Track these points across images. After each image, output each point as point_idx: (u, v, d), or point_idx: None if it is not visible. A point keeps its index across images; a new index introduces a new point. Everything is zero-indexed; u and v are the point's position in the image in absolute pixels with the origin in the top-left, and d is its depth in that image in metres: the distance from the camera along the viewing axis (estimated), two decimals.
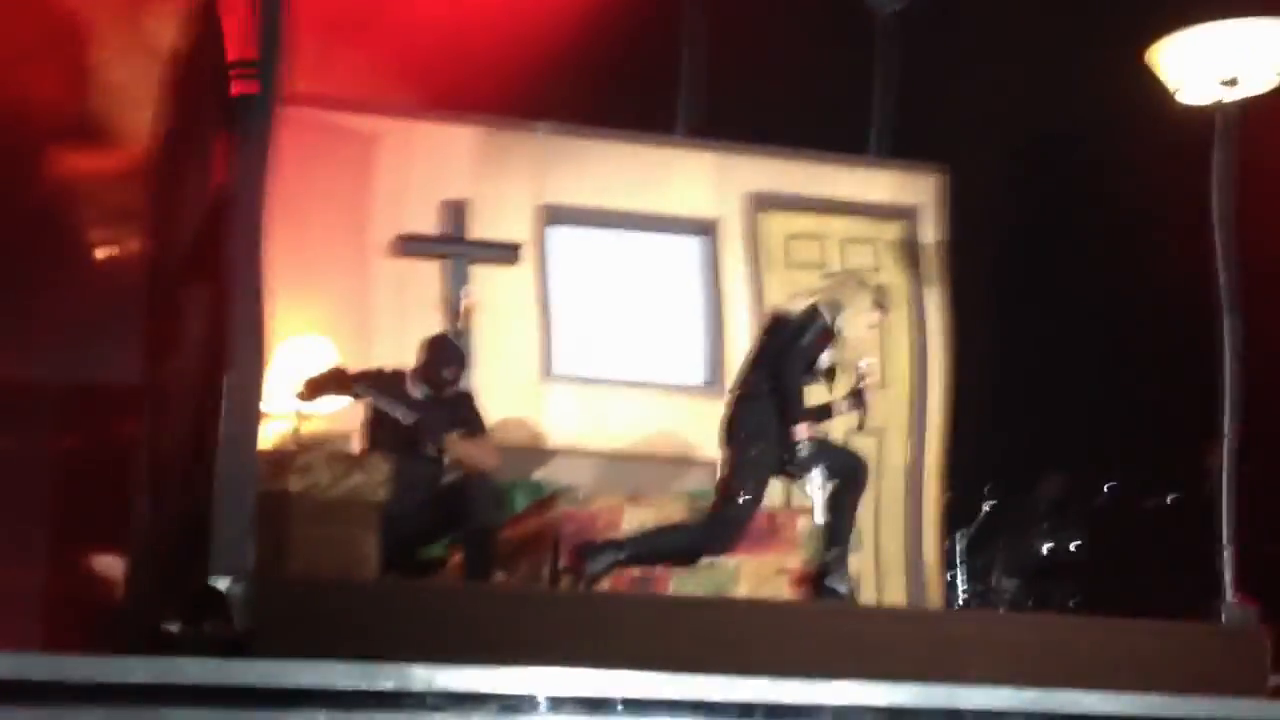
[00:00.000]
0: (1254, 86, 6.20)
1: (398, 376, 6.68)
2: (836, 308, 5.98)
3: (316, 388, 6.60)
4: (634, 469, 7.95)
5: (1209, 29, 6.13)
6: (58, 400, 7.45)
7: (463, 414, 6.71)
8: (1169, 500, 7.44)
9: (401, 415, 6.47)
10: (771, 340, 6.03)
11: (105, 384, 7.09)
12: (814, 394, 6.06)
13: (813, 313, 5.97)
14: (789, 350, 5.89)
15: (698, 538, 5.96)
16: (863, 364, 6.06)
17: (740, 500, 5.81)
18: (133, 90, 7.03)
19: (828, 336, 5.94)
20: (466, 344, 7.62)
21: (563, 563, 6.01)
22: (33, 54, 7.30)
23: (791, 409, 5.82)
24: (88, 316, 7.14)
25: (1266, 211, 6.41)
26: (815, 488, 5.85)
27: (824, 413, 6.03)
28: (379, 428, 6.56)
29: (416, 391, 6.64)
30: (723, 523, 5.87)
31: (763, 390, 5.91)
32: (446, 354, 6.75)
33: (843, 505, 5.92)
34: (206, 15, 5.66)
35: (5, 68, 7.18)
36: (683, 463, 8.06)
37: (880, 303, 6.11)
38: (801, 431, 5.78)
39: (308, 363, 7.14)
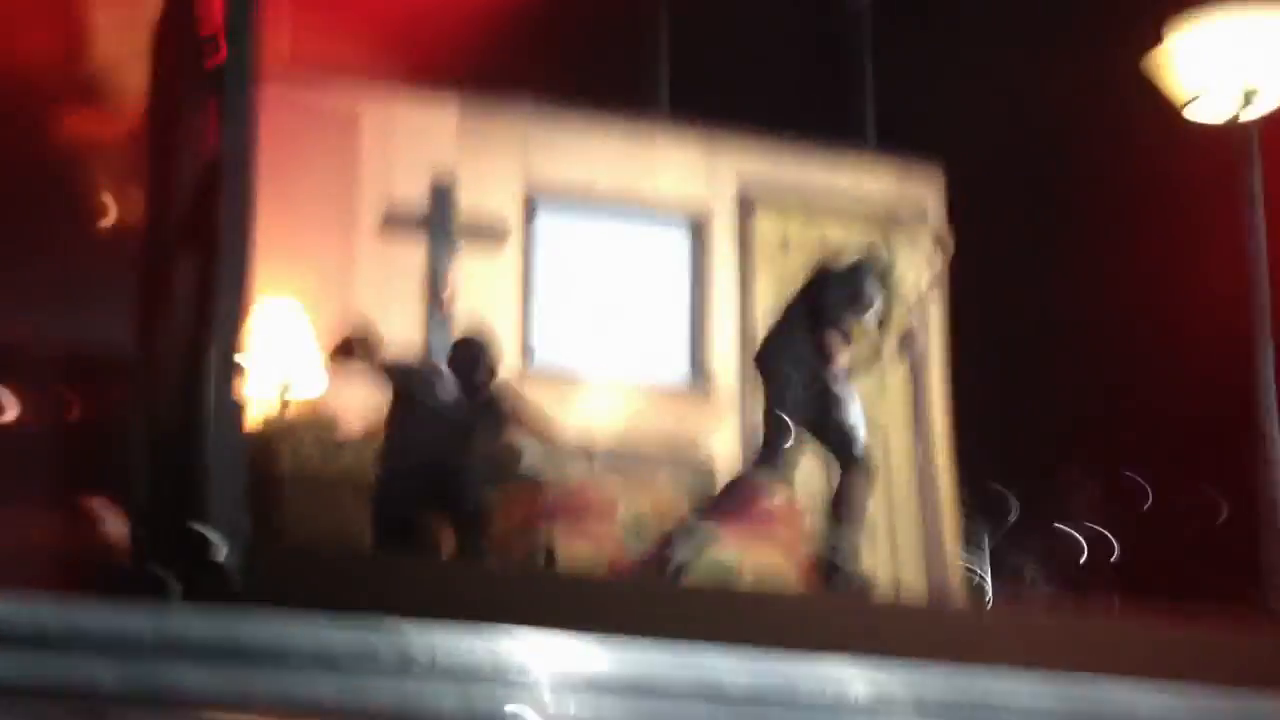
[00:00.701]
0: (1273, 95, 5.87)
1: (430, 372, 6.35)
2: (893, 251, 5.69)
3: (348, 354, 6.24)
4: (617, 461, 7.69)
5: (1222, 22, 5.79)
6: (59, 358, 7.21)
7: (499, 412, 6.37)
8: (1209, 500, 7.25)
9: (446, 413, 6.14)
10: (819, 276, 5.70)
11: (104, 345, 6.84)
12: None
13: (868, 253, 5.69)
14: (836, 285, 5.59)
15: (755, 475, 5.68)
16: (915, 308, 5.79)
17: (788, 425, 5.53)
18: (129, 57, 6.79)
19: (880, 279, 5.63)
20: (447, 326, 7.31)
21: (653, 556, 5.74)
22: (30, 20, 7.10)
23: (829, 338, 5.52)
24: (86, 278, 6.96)
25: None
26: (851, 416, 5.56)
27: (875, 355, 5.70)
28: (405, 418, 6.16)
29: (447, 392, 6.26)
30: (776, 449, 5.56)
31: (801, 324, 5.60)
32: (480, 358, 6.35)
33: (855, 489, 5.64)
34: None
35: (2, 33, 6.97)
36: (668, 457, 7.80)
37: (941, 245, 5.81)
38: (838, 360, 5.50)
39: (288, 333, 6.87)
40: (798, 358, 5.54)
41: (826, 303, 5.53)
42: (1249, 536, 5.22)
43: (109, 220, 7.59)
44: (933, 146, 8.34)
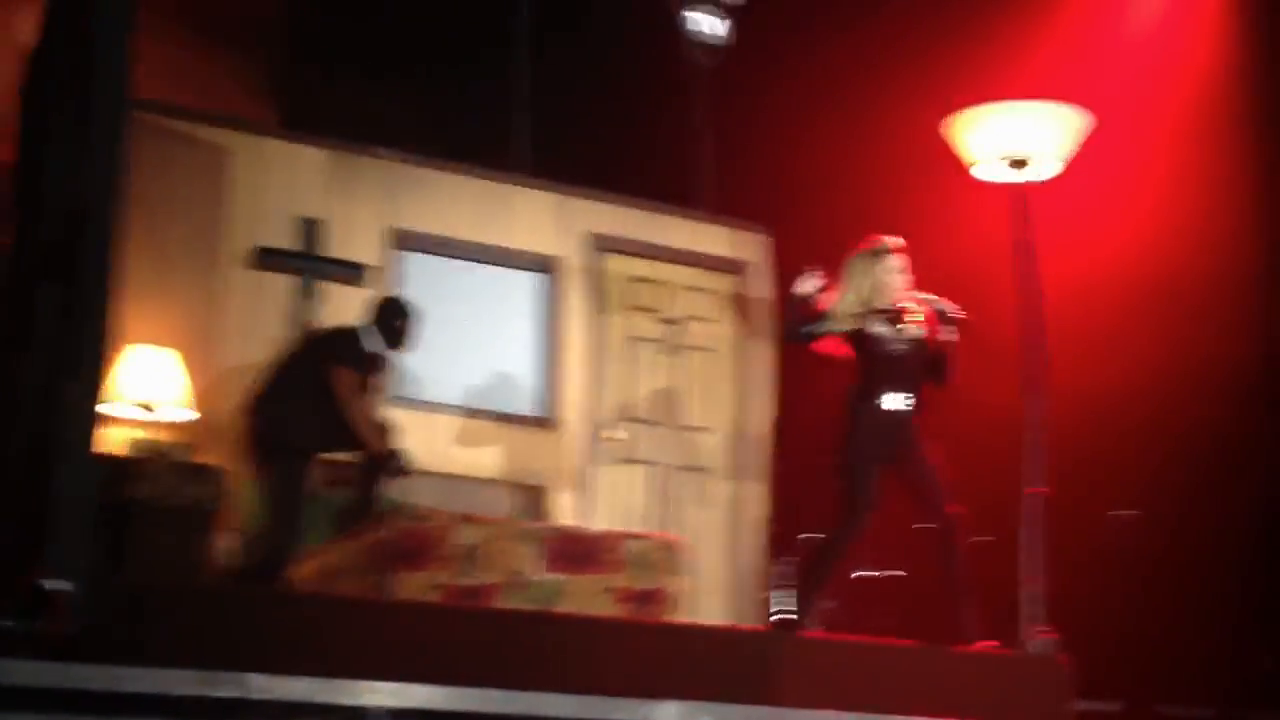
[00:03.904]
0: (1044, 169, 6.38)
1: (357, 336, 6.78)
2: (868, 312, 5.92)
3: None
4: (466, 490, 7.78)
5: (996, 110, 6.30)
6: None
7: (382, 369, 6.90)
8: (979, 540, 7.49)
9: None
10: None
11: None
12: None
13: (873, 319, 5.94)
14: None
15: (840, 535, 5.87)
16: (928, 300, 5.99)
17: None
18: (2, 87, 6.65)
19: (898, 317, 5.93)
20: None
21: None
22: None
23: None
24: None
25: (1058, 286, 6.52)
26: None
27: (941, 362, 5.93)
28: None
29: (370, 344, 6.72)
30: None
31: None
32: (402, 310, 6.87)
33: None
34: (68, 13, 5.33)
35: None
36: (513, 487, 7.92)
37: (891, 248, 6.00)
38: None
39: (153, 371, 6.82)
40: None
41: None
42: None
43: None
44: (761, 210, 8.65)
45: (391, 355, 6.91)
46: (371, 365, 6.74)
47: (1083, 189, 6.64)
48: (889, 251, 5.97)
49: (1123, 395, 7.88)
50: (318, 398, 6.50)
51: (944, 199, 7.58)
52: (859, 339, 5.87)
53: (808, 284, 5.85)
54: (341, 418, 6.47)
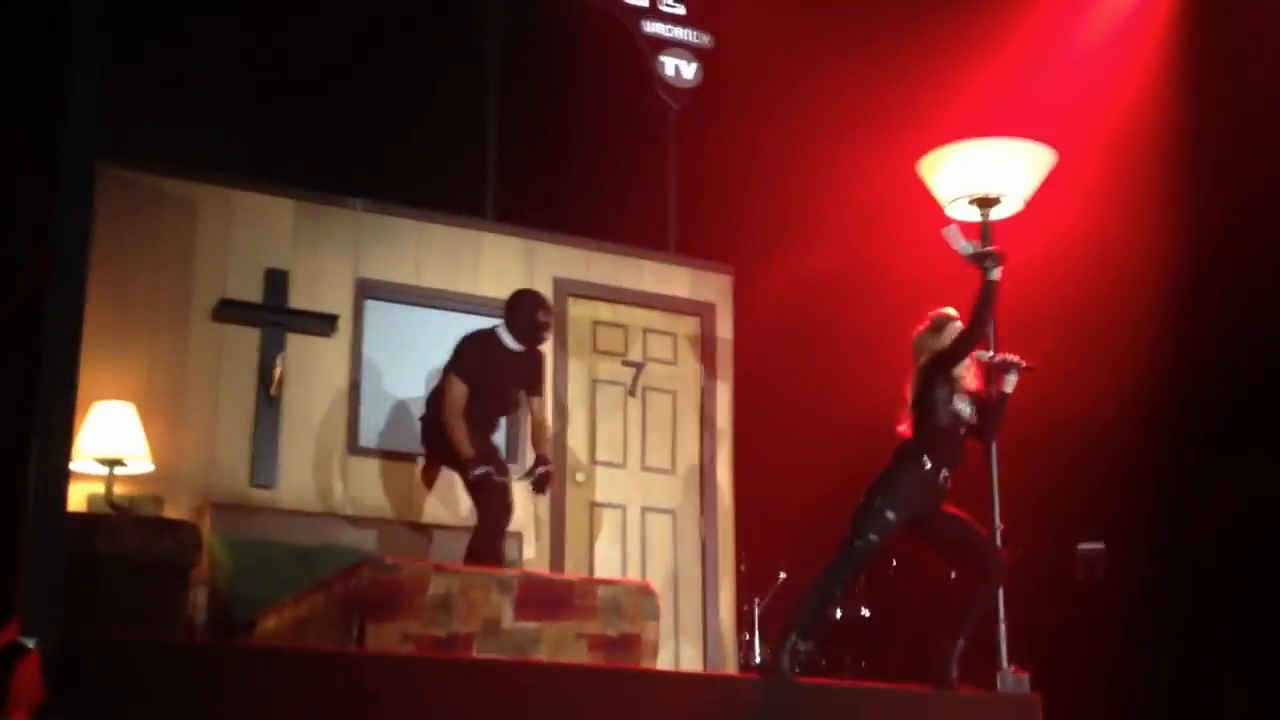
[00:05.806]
0: (1012, 205, 6.50)
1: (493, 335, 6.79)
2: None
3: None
4: (437, 539, 7.76)
5: (965, 148, 6.42)
6: None
7: (536, 372, 6.88)
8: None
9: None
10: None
11: None
12: None
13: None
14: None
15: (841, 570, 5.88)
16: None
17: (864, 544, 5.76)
18: None
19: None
20: (277, 410, 7.38)
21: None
22: None
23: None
24: None
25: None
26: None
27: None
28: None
29: (511, 341, 6.70)
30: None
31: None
32: (539, 303, 6.82)
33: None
34: (36, 65, 5.36)
35: None
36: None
37: (953, 317, 6.05)
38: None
39: (121, 426, 6.79)
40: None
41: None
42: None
43: None
44: (724, 250, 8.73)
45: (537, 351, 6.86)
46: (508, 366, 6.64)
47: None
48: (950, 320, 6.04)
49: (1054, 415, 7.97)
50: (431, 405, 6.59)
51: (906, 236, 7.68)
52: (932, 411, 5.88)
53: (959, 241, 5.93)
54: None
